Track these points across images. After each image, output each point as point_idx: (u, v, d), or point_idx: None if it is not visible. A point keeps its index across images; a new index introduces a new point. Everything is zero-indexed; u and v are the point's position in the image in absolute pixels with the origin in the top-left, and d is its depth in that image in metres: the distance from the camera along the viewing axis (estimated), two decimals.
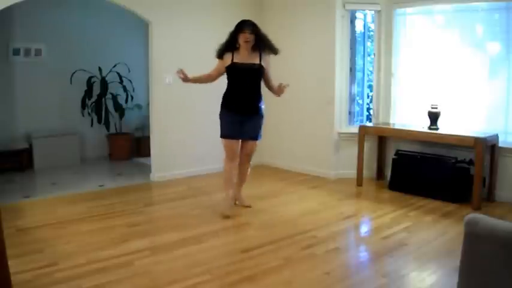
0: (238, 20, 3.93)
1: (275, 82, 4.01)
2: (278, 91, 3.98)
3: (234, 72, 3.94)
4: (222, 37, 5.65)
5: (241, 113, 3.97)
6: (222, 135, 4.05)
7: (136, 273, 2.86)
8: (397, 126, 5.01)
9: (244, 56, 3.91)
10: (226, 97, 4.06)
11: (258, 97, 3.99)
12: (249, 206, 4.25)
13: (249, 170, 4.24)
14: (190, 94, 5.45)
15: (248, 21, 3.91)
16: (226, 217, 3.94)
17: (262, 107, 4.05)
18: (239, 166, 4.13)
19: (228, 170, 4.04)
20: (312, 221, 3.89)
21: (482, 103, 4.62)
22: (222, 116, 4.09)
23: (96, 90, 6.24)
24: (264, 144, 6.20)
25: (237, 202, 4.30)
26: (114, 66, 6.32)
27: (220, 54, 4.02)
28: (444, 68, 4.85)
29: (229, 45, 3.96)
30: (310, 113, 5.58)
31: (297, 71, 5.59)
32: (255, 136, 4.05)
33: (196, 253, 3.20)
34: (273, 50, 3.95)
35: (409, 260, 3.14)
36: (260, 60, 3.92)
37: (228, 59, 3.95)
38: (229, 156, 4.02)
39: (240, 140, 4.05)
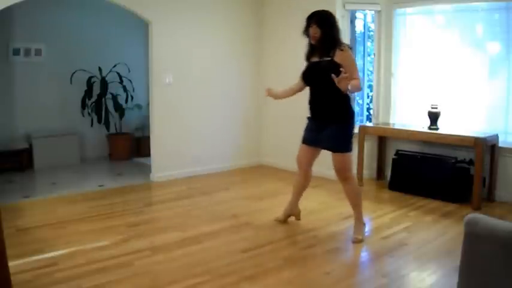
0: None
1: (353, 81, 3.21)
2: (339, 85, 3.17)
3: (308, 73, 3.51)
4: (222, 37, 5.70)
5: (317, 119, 3.51)
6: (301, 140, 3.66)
7: (137, 273, 2.86)
8: (397, 126, 5.01)
9: (317, 54, 3.44)
10: (308, 100, 3.58)
11: (331, 101, 3.38)
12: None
13: (350, 190, 3.55)
14: (190, 94, 5.46)
15: (315, 12, 3.40)
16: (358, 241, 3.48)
17: (343, 113, 3.42)
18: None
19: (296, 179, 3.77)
20: (312, 221, 3.89)
21: (482, 103, 4.62)
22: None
23: (96, 90, 6.23)
24: (264, 144, 6.22)
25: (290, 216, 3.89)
26: (114, 66, 6.32)
27: (307, 57, 3.53)
28: (444, 68, 4.85)
29: (311, 45, 3.46)
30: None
31: (297, 70, 5.57)
32: (332, 147, 3.44)
33: (196, 253, 3.20)
34: (333, 44, 3.32)
35: (409, 260, 3.13)
36: (333, 56, 3.29)
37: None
38: (297, 163, 3.73)
39: (316, 149, 3.61)
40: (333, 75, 3.13)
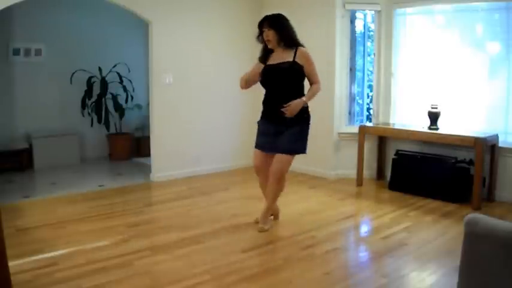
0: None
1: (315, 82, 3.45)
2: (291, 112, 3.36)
3: (264, 75, 3.50)
4: (222, 36, 5.70)
5: (274, 122, 3.48)
6: (255, 145, 3.63)
7: (137, 273, 2.86)
8: (397, 126, 5.00)
9: (277, 56, 3.45)
10: (262, 103, 3.58)
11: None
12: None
13: (278, 189, 3.60)
14: (190, 94, 5.46)
15: (266, 16, 3.48)
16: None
17: (304, 115, 3.48)
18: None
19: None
20: (312, 221, 3.89)
21: (482, 103, 4.62)
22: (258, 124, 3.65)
23: (96, 90, 6.23)
24: None
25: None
26: (114, 66, 6.32)
27: (262, 60, 3.53)
28: (444, 68, 4.85)
29: (267, 48, 3.49)
30: (310, 113, 5.56)
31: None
32: (289, 149, 3.46)
33: (196, 253, 3.20)
34: (290, 43, 3.40)
35: (409, 260, 3.13)
36: (294, 57, 3.36)
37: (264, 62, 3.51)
38: (255, 170, 3.67)
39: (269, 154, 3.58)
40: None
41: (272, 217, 3.83)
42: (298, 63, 3.37)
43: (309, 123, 3.55)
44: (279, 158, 3.47)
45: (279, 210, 3.91)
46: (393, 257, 3.15)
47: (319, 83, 3.51)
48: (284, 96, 3.40)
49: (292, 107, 3.35)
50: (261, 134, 3.59)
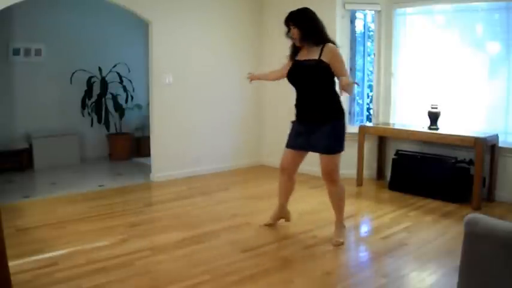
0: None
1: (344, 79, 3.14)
2: (342, 88, 3.10)
3: (290, 72, 3.36)
4: (222, 36, 5.70)
5: (306, 122, 3.36)
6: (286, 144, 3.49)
7: (137, 273, 2.86)
8: (397, 126, 5.00)
9: (304, 54, 3.31)
10: (295, 103, 3.44)
11: (322, 101, 3.29)
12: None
13: (336, 193, 3.49)
14: (190, 94, 5.46)
15: (291, 12, 3.30)
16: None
17: (336, 112, 3.35)
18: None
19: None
20: (312, 221, 3.90)
21: (482, 103, 4.62)
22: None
23: (96, 90, 6.23)
24: (263, 144, 6.22)
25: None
26: (114, 66, 6.32)
27: (291, 57, 3.40)
28: (444, 68, 4.85)
29: (295, 45, 3.35)
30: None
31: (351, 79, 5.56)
32: (326, 149, 3.30)
33: (196, 253, 3.20)
34: (318, 40, 3.22)
35: (409, 260, 3.13)
36: (320, 55, 3.19)
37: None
38: (280, 168, 3.57)
39: (302, 153, 3.47)
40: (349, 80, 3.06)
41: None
42: (324, 61, 3.17)
43: (341, 120, 3.35)
44: (322, 160, 3.33)
45: (289, 213, 3.80)
46: (393, 257, 3.15)
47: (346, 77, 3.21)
48: (312, 95, 3.28)
49: (346, 89, 3.08)
50: (293, 134, 3.46)
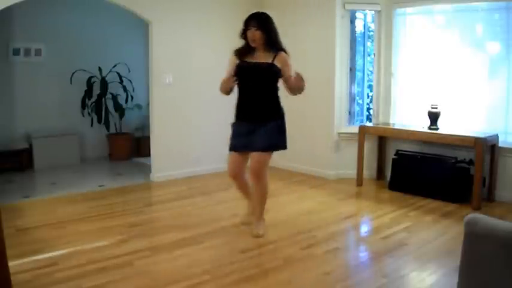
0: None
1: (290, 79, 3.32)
2: (294, 83, 3.25)
3: (240, 71, 3.38)
4: (222, 36, 5.70)
5: (250, 121, 3.40)
6: (229, 148, 3.51)
7: (137, 273, 2.86)
8: (397, 126, 5.00)
9: (257, 55, 3.37)
10: (236, 104, 3.49)
11: (268, 100, 3.39)
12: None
13: (261, 188, 3.51)
14: (190, 94, 5.46)
15: (256, 14, 3.39)
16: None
17: (279, 111, 3.44)
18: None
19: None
20: (312, 221, 3.90)
21: (482, 103, 4.62)
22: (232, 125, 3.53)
23: (96, 90, 6.23)
24: None
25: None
26: (114, 66, 6.32)
27: (239, 56, 3.43)
28: (444, 68, 4.85)
29: (248, 45, 3.38)
30: (310, 113, 5.57)
31: (297, 70, 5.58)
32: (268, 146, 3.37)
33: (196, 253, 3.20)
34: (274, 47, 3.35)
35: (409, 260, 3.13)
36: (273, 60, 3.32)
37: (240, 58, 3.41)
38: (230, 175, 3.56)
39: (246, 154, 3.48)
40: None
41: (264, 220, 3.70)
42: (277, 66, 3.33)
43: (284, 118, 3.46)
44: (256, 157, 3.37)
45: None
46: (393, 257, 3.15)
47: None
48: (259, 95, 3.36)
49: (298, 81, 3.25)
50: (235, 135, 3.47)
